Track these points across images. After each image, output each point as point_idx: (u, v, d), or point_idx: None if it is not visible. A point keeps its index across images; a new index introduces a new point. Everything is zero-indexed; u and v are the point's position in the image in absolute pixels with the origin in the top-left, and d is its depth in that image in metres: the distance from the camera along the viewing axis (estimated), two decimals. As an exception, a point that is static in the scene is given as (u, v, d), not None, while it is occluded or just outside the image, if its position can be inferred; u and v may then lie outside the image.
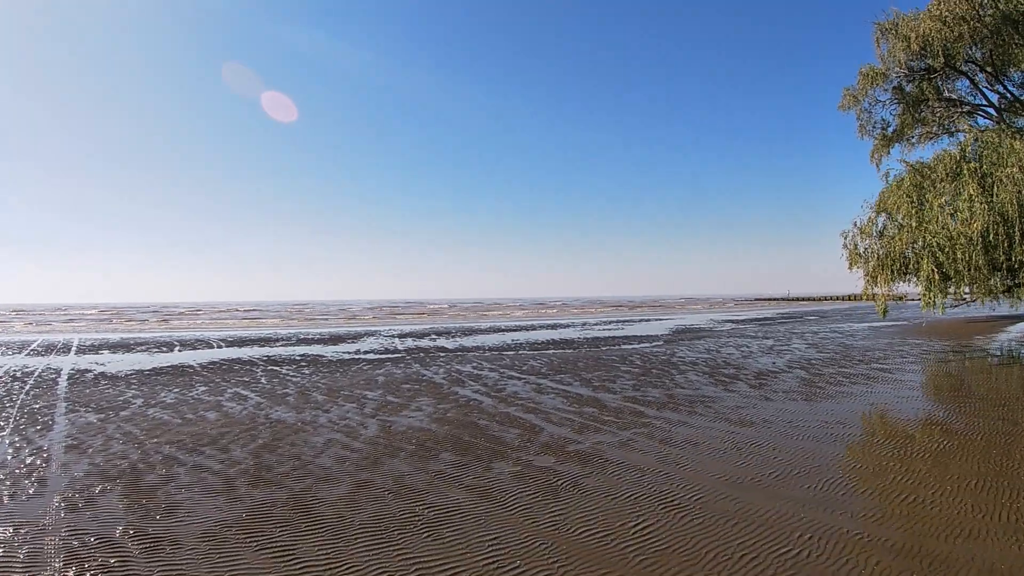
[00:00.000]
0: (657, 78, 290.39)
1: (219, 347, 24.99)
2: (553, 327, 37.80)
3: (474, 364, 17.44)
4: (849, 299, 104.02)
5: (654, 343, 24.27)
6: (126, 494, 6.38)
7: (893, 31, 24.61)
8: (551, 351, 21.27)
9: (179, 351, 23.38)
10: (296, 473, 6.99)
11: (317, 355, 20.87)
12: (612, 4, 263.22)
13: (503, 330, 35.01)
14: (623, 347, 22.53)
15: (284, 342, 27.34)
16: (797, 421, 9.48)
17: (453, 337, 29.52)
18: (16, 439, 9.09)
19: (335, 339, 28.94)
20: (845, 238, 24.31)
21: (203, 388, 13.65)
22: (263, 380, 14.72)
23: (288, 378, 15.00)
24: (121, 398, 12.56)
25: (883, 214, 23.90)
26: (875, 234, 23.77)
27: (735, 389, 12.59)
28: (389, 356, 20.17)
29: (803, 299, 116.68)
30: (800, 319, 43.93)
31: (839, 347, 21.75)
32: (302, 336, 31.45)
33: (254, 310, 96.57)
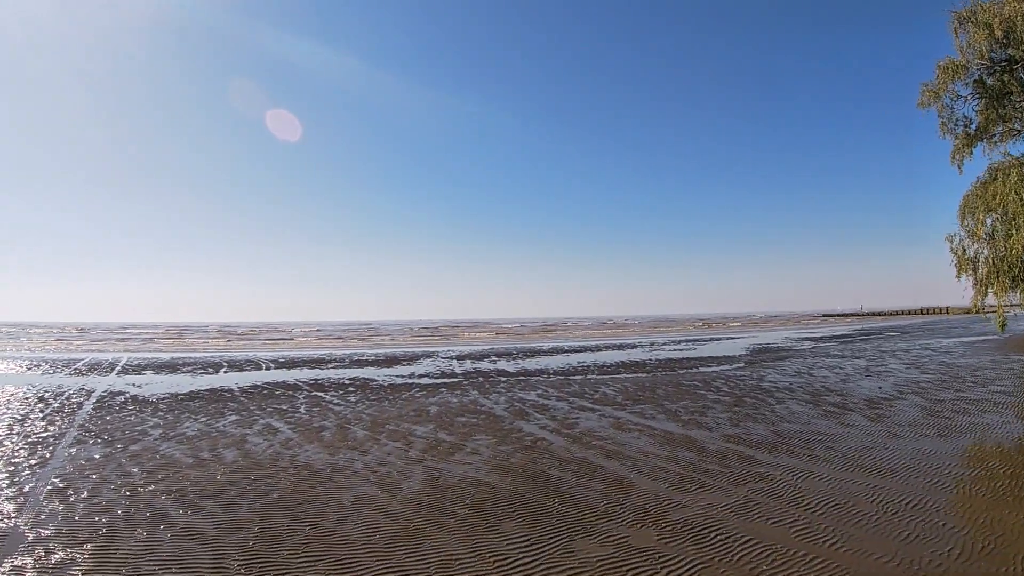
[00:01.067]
0: (702, 89, 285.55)
1: (267, 368, 23.73)
2: (620, 347, 35.56)
3: (539, 391, 15.51)
4: (920, 313, 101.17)
5: (734, 365, 21.92)
6: (86, 570, 4.76)
7: (972, 19, 22.93)
8: (623, 375, 19.19)
9: (225, 372, 22.17)
10: (307, 550, 5.17)
11: (368, 379, 19.28)
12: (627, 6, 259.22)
13: (567, 351, 32.98)
14: (702, 370, 20.29)
15: (336, 364, 25.95)
16: (946, 467, 7.46)
17: (514, 359, 27.67)
18: (1, 477, 7.63)
19: (390, 360, 27.44)
20: (952, 242, 21.78)
21: (233, 418, 12.09)
22: (302, 409, 13.09)
23: (330, 407, 13.36)
24: (139, 428, 11.10)
25: (991, 215, 21.46)
26: (985, 236, 21.14)
27: (851, 423, 10.39)
28: (445, 381, 18.41)
29: (874, 314, 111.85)
30: (881, 335, 40.60)
31: (942, 367, 19.01)
32: (356, 357, 30.07)
33: (318, 329, 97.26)
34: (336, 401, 14.19)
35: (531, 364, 24.30)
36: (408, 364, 25.20)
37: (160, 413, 12.77)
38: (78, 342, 51.67)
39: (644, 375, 19.06)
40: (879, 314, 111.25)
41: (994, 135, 25.25)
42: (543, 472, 7.50)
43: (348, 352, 34.72)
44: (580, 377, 18.81)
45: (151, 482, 7.38)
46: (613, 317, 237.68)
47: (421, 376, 19.97)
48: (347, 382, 18.30)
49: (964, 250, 21.60)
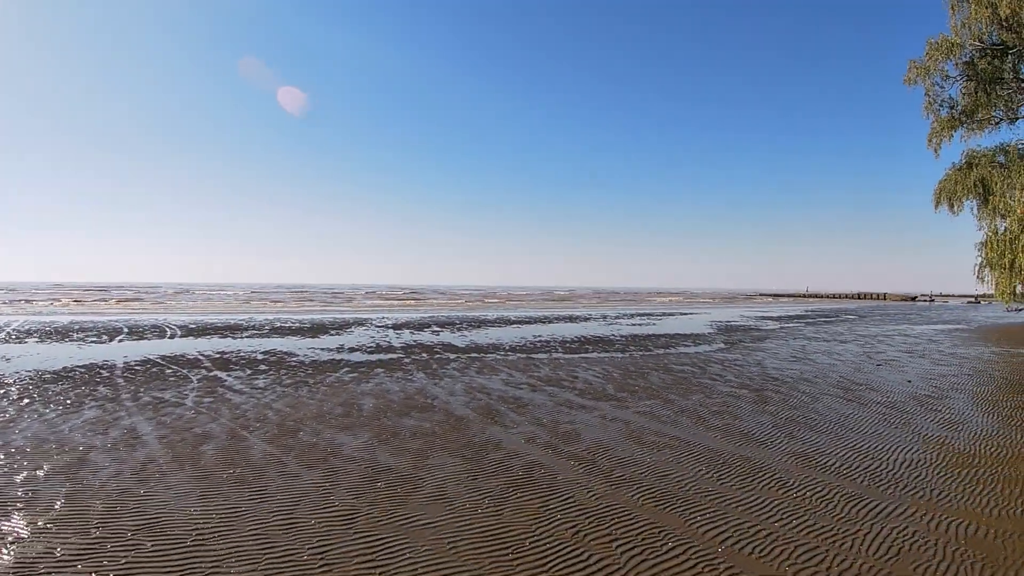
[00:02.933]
0: (660, 72, 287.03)
1: (172, 336, 20.03)
2: (571, 319, 32.84)
3: (502, 376, 12.45)
4: (859, 297, 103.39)
5: (713, 345, 19.38)
6: None
7: (974, -1, 21.87)
8: (594, 354, 16.31)
9: (120, 341, 18.43)
10: None
11: (286, 352, 15.88)
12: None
13: (515, 322, 29.98)
14: (681, 350, 17.64)
15: (254, 331, 22.35)
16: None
17: (459, 330, 24.54)
18: None
19: (316, 329, 23.88)
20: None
21: (91, 414, 8.61)
22: (189, 400, 9.65)
23: (228, 396, 9.96)
24: (-57, 431, 7.62)
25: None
26: None
27: (926, 433, 7.91)
28: (381, 357, 15.15)
29: (815, 295, 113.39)
30: (839, 318, 38.69)
31: (947, 357, 16.81)
32: (278, 324, 26.42)
33: (258, 291, 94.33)
34: (239, 387, 10.83)
35: (480, 337, 21.23)
36: (337, 334, 21.79)
37: (2, 404, 9.27)
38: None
39: (619, 355, 16.25)
40: (820, 296, 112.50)
41: (975, 121, 24.65)
42: (568, 543, 4.35)
43: (271, 317, 31.02)
44: (544, 356, 15.87)
45: None
46: (546, 288, 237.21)
47: (352, 350, 16.67)
48: (260, 357, 14.86)
49: (996, 231, 20.01)
